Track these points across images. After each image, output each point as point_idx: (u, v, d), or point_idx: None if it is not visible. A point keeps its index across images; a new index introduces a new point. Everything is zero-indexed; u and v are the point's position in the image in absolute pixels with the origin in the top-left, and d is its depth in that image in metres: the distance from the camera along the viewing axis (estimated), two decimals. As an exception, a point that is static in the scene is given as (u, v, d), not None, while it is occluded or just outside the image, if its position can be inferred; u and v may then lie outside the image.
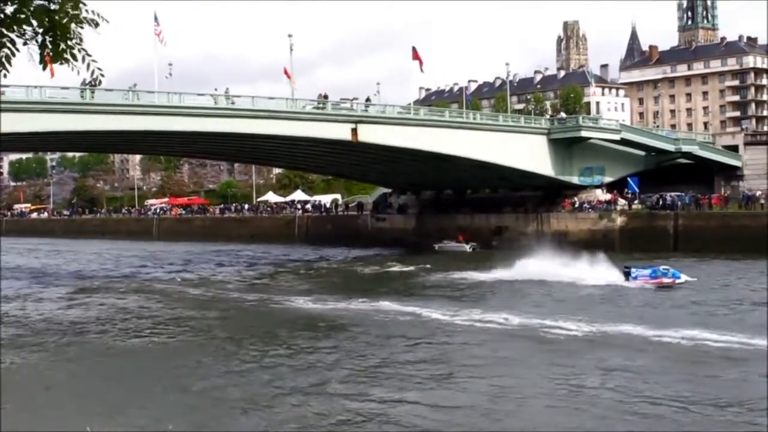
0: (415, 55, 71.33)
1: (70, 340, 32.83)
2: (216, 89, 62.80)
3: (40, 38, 7.11)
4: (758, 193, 71.97)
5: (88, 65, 7.47)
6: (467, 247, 72.80)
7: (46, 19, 6.99)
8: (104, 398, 23.06)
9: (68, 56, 7.22)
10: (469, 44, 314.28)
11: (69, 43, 7.18)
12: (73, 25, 7.14)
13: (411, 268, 59.32)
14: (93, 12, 7.34)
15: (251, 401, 22.12)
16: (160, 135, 57.87)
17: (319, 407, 21.26)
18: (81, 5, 7.20)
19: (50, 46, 7.14)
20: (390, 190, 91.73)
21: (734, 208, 70.38)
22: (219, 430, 20.41)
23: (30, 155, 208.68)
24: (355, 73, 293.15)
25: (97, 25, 7.35)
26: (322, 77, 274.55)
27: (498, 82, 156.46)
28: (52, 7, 7.05)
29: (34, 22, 7.03)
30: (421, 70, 72.80)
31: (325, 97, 65.71)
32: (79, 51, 7.29)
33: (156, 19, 59.79)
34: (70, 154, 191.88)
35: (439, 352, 28.47)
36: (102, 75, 7.57)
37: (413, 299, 41.55)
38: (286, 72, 67.81)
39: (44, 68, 7.31)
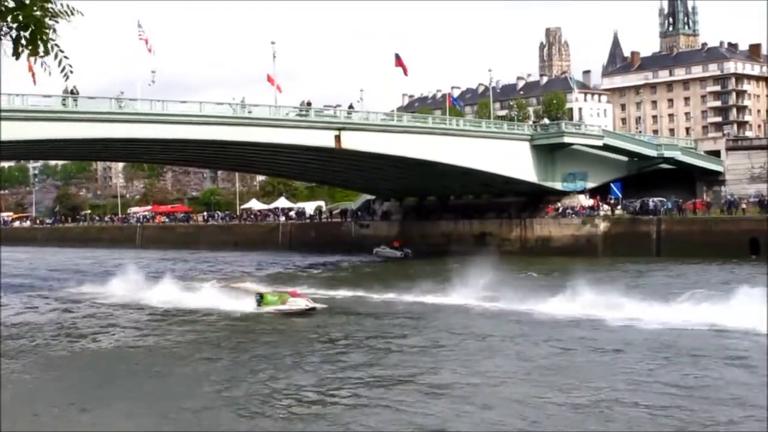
0: (398, 62, 71.31)
1: (51, 344, 32.79)
2: (233, 98, 62.57)
3: (14, 33, 7.14)
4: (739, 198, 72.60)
5: (60, 61, 7.49)
6: (399, 253, 75.45)
7: (20, 14, 7.02)
8: (83, 401, 23.01)
9: (41, 50, 7.26)
10: (452, 51, 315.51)
11: (43, 37, 7.22)
12: (46, 19, 7.19)
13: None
14: (67, 6, 7.37)
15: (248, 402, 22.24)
16: (143, 143, 57.64)
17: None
18: None
19: (24, 42, 7.17)
20: (374, 197, 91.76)
21: (716, 214, 70.78)
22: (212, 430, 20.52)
23: (12, 163, 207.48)
24: (339, 79, 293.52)
25: (72, 14, 7.38)
26: (305, 83, 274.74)
27: (481, 89, 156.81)
28: (26, 1, 7.07)
29: (8, 18, 7.06)
30: (405, 74, 72.63)
31: (308, 104, 65.58)
32: (51, 47, 7.33)
33: (139, 25, 59.56)
34: (52, 163, 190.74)
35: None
36: (71, 71, 7.58)
37: None
38: (269, 79, 67.78)
39: (17, 58, 7.32)
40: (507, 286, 40.45)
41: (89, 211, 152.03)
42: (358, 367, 26.65)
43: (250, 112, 60.19)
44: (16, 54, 7.24)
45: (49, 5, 7.20)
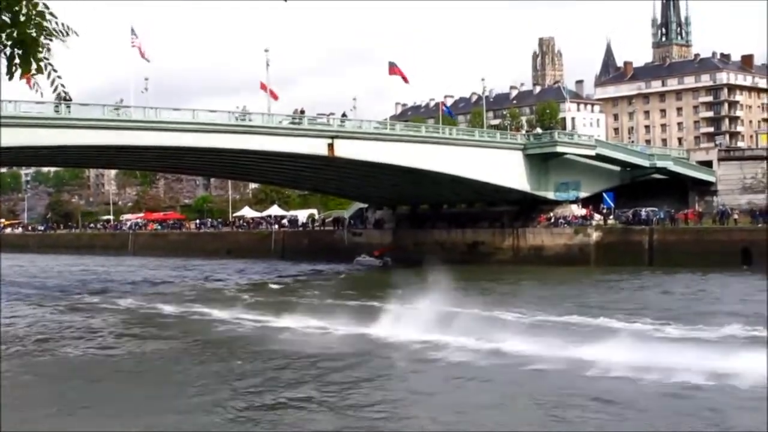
0: (392, 71, 71.31)
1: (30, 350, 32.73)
2: (236, 107, 62.47)
3: (8, 51, 7.08)
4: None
5: (53, 81, 7.42)
6: (378, 262, 75.85)
7: (14, 32, 6.97)
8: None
9: (34, 69, 7.18)
10: (446, 60, 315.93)
11: (38, 55, 7.14)
12: (42, 38, 7.13)
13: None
14: (62, 24, 7.32)
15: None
16: (136, 150, 57.65)
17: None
18: (50, 17, 7.17)
19: (18, 60, 7.09)
20: (366, 205, 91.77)
21: (708, 224, 70.94)
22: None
23: (4, 170, 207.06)
24: (332, 87, 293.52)
25: (67, 34, 7.32)
26: (299, 91, 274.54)
27: (474, 98, 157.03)
28: (21, 18, 7.01)
29: (2, 35, 7.00)
30: (406, 82, 72.50)
31: (302, 112, 65.64)
32: (45, 66, 7.25)
33: (133, 32, 59.56)
34: (45, 169, 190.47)
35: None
36: (65, 92, 7.50)
37: None
38: (263, 86, 67.83)
39: (10, 78, 7.25)
40: None
41: (105, 217, 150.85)
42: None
43: (251, 120, 60.26)
44: (10, 74, 7.17)
45: (45, 23, 7.14)
